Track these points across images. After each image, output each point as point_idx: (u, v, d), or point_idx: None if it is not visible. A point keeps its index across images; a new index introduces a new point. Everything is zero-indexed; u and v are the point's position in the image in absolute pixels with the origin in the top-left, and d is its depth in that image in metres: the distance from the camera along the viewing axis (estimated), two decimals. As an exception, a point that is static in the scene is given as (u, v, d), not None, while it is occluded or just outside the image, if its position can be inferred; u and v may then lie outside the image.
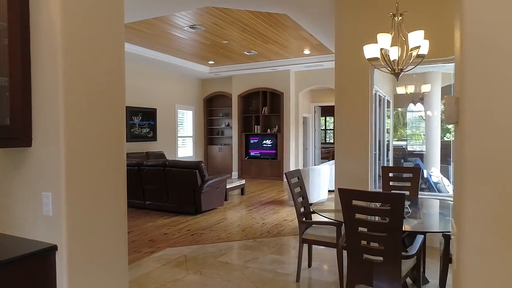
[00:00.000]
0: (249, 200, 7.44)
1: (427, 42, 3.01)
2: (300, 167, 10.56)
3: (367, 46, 3.20)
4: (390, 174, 3.91)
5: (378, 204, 2.89)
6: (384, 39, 2.96)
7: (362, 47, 4.64)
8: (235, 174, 10.77)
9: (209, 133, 11.79)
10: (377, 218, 2.72)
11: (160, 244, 4.49)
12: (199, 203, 5.94)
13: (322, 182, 6.84)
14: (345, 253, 3.26)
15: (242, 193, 7.97)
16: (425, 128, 10.67)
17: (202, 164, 5.98)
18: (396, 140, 11.32)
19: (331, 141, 17.59)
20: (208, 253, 4.14)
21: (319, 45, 7.71)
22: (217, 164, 11.45)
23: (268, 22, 6.29)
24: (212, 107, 11.72)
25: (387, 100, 7.02)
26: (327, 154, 14.61)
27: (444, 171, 7.56)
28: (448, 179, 6.20)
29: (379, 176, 5.31)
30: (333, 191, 7.98)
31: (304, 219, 3.49)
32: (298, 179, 3.59)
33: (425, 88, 6.52)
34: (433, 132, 8.91)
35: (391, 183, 3.90)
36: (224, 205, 6.76)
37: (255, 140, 10.70)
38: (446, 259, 2.75)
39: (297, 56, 9.01)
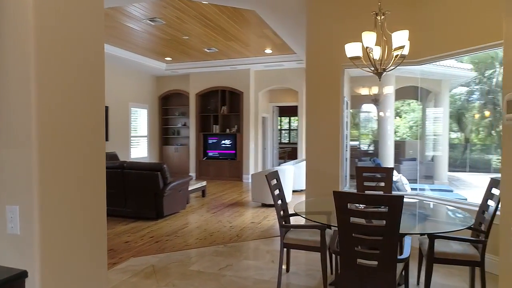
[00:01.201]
0: (211, 202, 7.17)
1: (408, 42, 3.01)
2: (260, 167, 10.47)
3: (349, 44, 3.13)
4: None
5: (362, 206, 2.83)
6: (369, 38, 2.90)
7: (334, 47, 4.63)
8: (192, 175, 10.40)
9: (165, 133, 11.29)
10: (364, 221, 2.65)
11: (123, 254, 4.11)
12: (161, 207, 5.58)
13: (287, 182, 6.78)
14: (327, 257, 3.19)
15: (203, 195, 7.68)
16: (378, 129, 11.11)
17: (165, 166, 5.62)
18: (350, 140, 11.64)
19: (286, 141, 17.77)
20: (178, 262, 3.85)
21: (281, 44, 7.66)
22: (173, 165, 10.99)
23: (233, 18, 6.09)
24: (168, 105, 11.24)
25: (346, 101, 7.16)
26: (283, 154, 14.70)
27: (396, 170, 7.87)
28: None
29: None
30: (297, 191, 7.99)
31: (283, 222, 3.34)
32: (277, 181, 3.45)
33: (387, 89, 6.71)
34: (386, 132, 9.25)
35: (365, 183, 3.91)
36: (186, 208, 6.44)
37: (214, 140, 10.42)
38: (431, 259, 2.75)
39: (258, 55, 8.90)
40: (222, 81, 10.05)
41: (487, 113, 12.58)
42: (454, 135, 13.44)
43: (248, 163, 9.98)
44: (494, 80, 12.47)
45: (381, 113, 9.37)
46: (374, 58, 3.09)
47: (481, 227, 2.90)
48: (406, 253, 2.40)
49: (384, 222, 2.20)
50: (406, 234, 2.51)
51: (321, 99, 4.73)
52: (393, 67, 3.11)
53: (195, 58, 9.22)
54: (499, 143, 13.92)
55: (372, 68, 3.08)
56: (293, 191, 7.56)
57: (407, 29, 3.07)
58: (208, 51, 8.36)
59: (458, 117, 13.83)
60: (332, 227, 2.95)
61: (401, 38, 2.83)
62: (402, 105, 15.54)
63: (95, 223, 1.60)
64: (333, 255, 3.44)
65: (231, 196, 7.81)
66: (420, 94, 10.38)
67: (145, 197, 5.58)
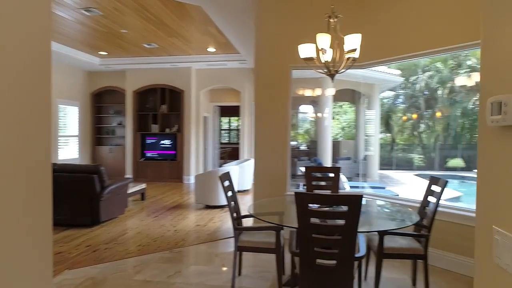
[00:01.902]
0: (151, 205, 6.82)
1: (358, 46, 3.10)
2: (201, 168, 10.25)
3: (302, 45, 3.14)
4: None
5: (315, 206, 2.85)
6: (324, 39, 2.94)
7: (282, 47, 4.67)
8: (129, 177, 9.83)
9: (98, 132, 10.53)
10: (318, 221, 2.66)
11: (56, 266, 3.69)
12: (97, 212, 5.15)
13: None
14: (288, 258, 3.17)
15: (143, 198, 7.28)
16: (316, 129, 11.52)
17: (102, 168, 5.21)
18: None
19: (226, 141, 17.69)
20: (121, 272, 3.56)
21: (225, 43, 7.56)
22: (107, 166, 10.21)
23: (177, 13, 5.84)
24: (101, 103, 10.49)
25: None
26: (223, 154, 14.60)
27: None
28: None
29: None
30: (241, 191, 7.94)
31: (237, 224, 3.25)
32: (229, 182, 3.35)
33: (327, 91, 6.96)
34: (324, 132, 9.59)
35: (313, 182, 3.97)
36: (124, 213, 6.03)
37: (153, 140, 9.97)
38: (380, 255, 2.86)
39: (201, 53, 8.69)
40: (162, 79, 9.65)
41: (414, 115, 13.67)
42: (382, 135, 14.47)
43: (189, 164, 9.70)
44: (417, 85, 13.66)
45: (319, 114, 9.72)
46: (326, 60, 3.13)
47: (422, 222, 3.09)
48: (362, 251, 2.46)
49: (344, 221, 2.23)
50: (366, 232, 2.57)
51: (270, 99, 4.73)
52: (344, 70, 3.18)
53: (133, 54, 8.72)
54: (420, 143, 15.31)
55: (325, 70, 3.12)
56: (237, 191, 7.50)
57: (351, 33, 3.18)
58: (147, 46, 7.95)
59: (386, 119, 14.93)
60: (286, 227, 2.94)
61: (353, 41, 2.91)
62: (335, 107, 16.31)
63: (37, 235, 1.37)
64: (284, 256, 3.44)
65: (172, 199, 7.51)
66: (357, 97, 10.98)
67: (80, 202, 5.10)
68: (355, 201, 2.18)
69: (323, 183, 4.03)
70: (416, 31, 3.89)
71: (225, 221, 5.61)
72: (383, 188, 8.08)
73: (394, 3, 4.15)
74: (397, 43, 4.09)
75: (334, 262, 2.31)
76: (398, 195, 6.43)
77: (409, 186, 10.29)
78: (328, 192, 3.87)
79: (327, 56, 3.10)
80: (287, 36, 4.62)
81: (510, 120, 0.93)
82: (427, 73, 13.42)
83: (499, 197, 1.03)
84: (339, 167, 3.96)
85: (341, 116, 17.70)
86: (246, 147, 9.87)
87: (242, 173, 7.69)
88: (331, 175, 4.03)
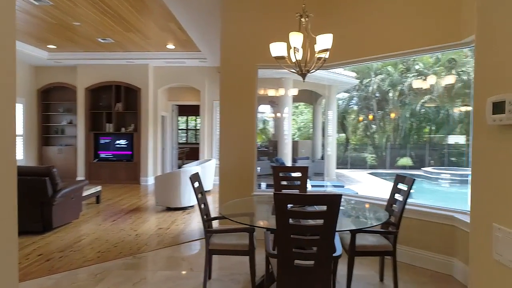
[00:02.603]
0: (108, 209, 6.46)
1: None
2: (159, 169, 9.92)
3: (274, 44, 3.10)
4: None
5: (289, 206, 2.83)
6: (296, 38, 2.92)
7: (249, 46, 4.62)
8: (83, 179, 9.27)
9: (45, 132, 9.80)
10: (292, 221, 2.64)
11: (4, 279, 3.34)
12: (49, 218, 4.77)
13: (194, 184, 6.52)
14: (259, 259, 3.11)
15: (98, 201, 6.88)
16: (276, 129, 11.61)
17: (54, 170, 4.83)
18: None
19: (183, 141, 17.31)
20: (80, 282, 3.31)
21: (186, 40, 7.35)
22: (56, 167, 9.59)
23: (136, 6, 5.58)
24: (49, 100, 9.78)
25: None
26: (181, 154, 14.27)
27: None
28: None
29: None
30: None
31: (207, 227, 3.15)
32: (199, 184, 3.23)
33: (291, 91, 7.01)
34: (284, 132, 9.66)
35: (281, 182, 3.95)
36: (79, 217, 5.65)
37: (107, 140, 9.47)
38: (353, 253, 2.90)
39: (159, 50, 8.39)
40: (117, 76, 9.20)
41: (370, 116, 14.22)
42: (337, 135, 14.94)
43: (146, 165, 9.34)
44: (370, 88, 14.26)
45: (279, 114, 9.79)
46: (298, 59, 3.12)
47: (390, 219, 3.18)
48: (339, 250, 2.47)
49: (321, 221, 2.22)
50: (342, 231, 2.58)
51: (236, 99, 4.65)
52: (315, 70, 3.19)
53: (85, 48, 8.21)
54: (372, 143, 16.00)
55: (297, 69, 3.11)
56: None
57: (316, 34, 3.20)
58: (102, 41, 7.52)
59: (341, 120, 15.45)
60: (259, 229, 2.89)
61: (325, 41, 2.92)
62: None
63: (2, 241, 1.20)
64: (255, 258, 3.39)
65: (130, 201, 7.18)
66: (314, 98, 11.21)
67: (29, 207, 4.69)
68: (334, 200, 2.17)
69: (284, 182, 4.00)
70: (385, 33, 3.99)
71: (188, 224, 5.45)
72: (343, 186, 8.32)
73: (362, 4, 4.25)
74: (364, 44, 4.18)
75: (312, 262, 2.30)
76: (357, 193, 6.65)
77: (365, 184, 10.70)
78: (296, 191, 3.88)
79: (299, 55, 3.09)
80: (254, 35, 4.57)
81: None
82: (379, 76, 14.07)
83: (500, 195, 1.05)
84: (307, 167, 3.98)
85: (298, 116, 18.04)
86: (206, 147, 9.70)
87: (203, 174, 7.53)
88: (295, 174, 4.03)
